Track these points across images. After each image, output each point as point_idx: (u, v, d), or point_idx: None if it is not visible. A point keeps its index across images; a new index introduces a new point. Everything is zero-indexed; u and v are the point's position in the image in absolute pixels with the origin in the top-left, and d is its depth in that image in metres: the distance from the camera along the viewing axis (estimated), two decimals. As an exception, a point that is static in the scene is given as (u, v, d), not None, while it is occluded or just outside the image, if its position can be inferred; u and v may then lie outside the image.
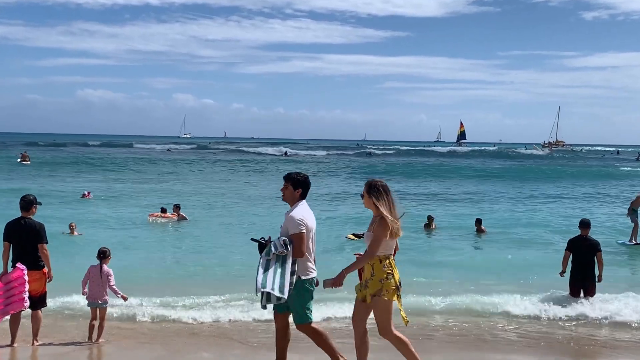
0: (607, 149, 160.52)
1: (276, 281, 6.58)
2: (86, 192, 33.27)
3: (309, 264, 6.93)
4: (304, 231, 6.77)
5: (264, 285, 6.53)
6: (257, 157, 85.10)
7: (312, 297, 6.99)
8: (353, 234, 20.32)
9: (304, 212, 6.90)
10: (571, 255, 12.12)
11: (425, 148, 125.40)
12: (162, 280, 14.45)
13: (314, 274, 6.97)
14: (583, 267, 12.00)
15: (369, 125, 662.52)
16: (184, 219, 23.99)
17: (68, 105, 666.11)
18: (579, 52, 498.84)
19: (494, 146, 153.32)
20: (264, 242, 6.82)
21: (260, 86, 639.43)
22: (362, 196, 6.72)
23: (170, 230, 22.71)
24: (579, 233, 12.31)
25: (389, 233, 6.44)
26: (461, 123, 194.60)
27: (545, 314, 11.55)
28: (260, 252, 6.79)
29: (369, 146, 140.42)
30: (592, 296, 11.96)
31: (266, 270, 6.62)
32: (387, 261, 6.56)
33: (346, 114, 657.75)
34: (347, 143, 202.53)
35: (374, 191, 6.61)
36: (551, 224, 24.65)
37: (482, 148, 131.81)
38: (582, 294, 11.99)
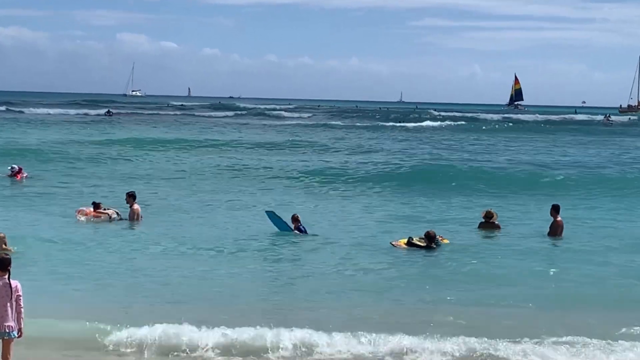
0: None
1: None
2: (15, 167, 24.85)
3: None
4: None
5: None
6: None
7: None
8: (406, 242, 16.76)
9: None
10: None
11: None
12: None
13: None
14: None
15: (399, 80, 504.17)
16: (137, 216, 18.85)
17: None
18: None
19: (575, 112, 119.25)
20: None
21: (242, 24, 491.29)
22: None
23: (110, 234, 17.63)
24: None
25: None
26: (516, 78, 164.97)
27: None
28: None
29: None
30: None
31: None
32: None
33: (367, 63, 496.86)
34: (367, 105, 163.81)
35: None
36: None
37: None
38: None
